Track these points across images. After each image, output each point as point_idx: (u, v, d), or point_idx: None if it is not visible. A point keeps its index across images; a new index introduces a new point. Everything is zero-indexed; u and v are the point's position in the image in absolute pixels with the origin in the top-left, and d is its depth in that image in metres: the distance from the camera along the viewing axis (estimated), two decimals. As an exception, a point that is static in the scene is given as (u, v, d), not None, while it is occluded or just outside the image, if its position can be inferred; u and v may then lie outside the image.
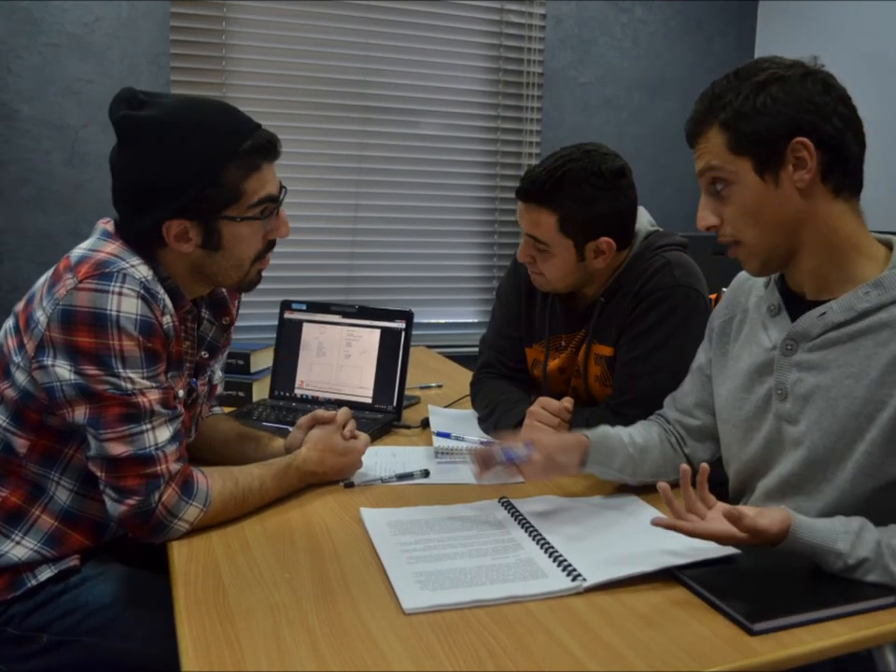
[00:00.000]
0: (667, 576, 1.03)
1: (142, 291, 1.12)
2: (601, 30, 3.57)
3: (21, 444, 1.16)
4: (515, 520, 1.21)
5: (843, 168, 1.10)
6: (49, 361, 1.10)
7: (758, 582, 1.01)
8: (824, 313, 1.11)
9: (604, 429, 1.35)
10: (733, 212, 1.12)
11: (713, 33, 3.76)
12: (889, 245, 1.15)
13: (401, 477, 1.41)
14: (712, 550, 1.05)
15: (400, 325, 1.84)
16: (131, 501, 1.10)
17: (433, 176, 3.39)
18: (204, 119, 1.18)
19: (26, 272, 2.79)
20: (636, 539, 1.13)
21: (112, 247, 1.17)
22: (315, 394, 1.87)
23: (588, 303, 1.67)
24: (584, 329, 1.70)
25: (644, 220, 1.67)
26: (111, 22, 2.84)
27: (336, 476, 1.38)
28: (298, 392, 1.88)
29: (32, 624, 1.15)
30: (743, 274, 1.32)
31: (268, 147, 1.21)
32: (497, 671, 0.83)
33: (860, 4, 3.26)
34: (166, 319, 1.16)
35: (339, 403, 1.83)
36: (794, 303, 1.17)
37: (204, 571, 1.05)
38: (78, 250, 1.18)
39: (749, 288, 1.30)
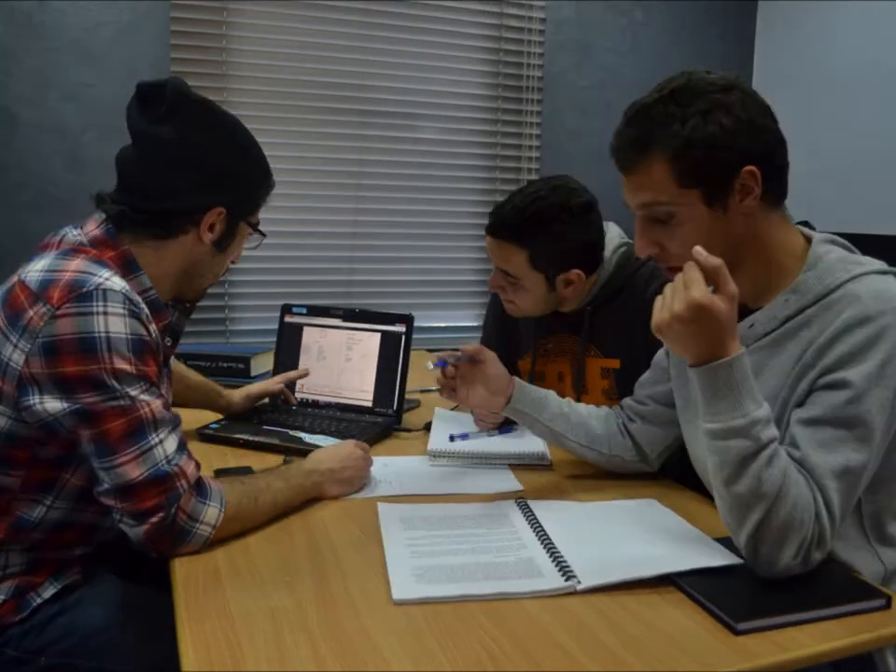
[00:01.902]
0: (666, 579, 1.03)
1: (126, 306, 1.08)
2: (601, 33, 3.57)
3: (11, 483, 1.11)
4: (527, 520, 1.22)
5: (777, 184, 1.12)
6: (34, 400, 1.05)
7: (749, 586, 1.01)
8: (752, 325, 1.15)
9: (536, 386, 1.44)
10: (679, 243, 1.10)
11: (712, 36, 3.77)
12: (807, 238, 1.17)
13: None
14: (712, 558, 1.05)
15: (401, 328, 1.84)
16: (154, 519, 1.06)
17: (433, 180, 3.39)
18: (252, 136, 1.30)
19: (27, 276, 2.79)
20: (640, 543, 1.13)
21: (75, 263, 1.10)
22: (316, 397, 1.87)
23: (575, 310, 1.70)
24: (572, 335, 1.72)
25: (614, 233, 1.69)
26: (112, 27, 2.84)
27: (342, 472, 1.34)
28: (298, 395, 1.88)
29: (30, 647, 1.13)
30: None
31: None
32: (497, 674, 0.84)
33: (859, 4, 3.27)
34: (152, 328, 1.14)
35: (339, 407, 1.84)
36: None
37: (205, 573, 1.05)
38: (34, 274, 1.10)
39: None
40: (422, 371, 2.37)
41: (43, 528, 1.15)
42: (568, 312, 1.71)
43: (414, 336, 1.85)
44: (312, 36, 3.14)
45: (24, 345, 1.05)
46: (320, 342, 1.90)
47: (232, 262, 1.35)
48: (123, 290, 1.09)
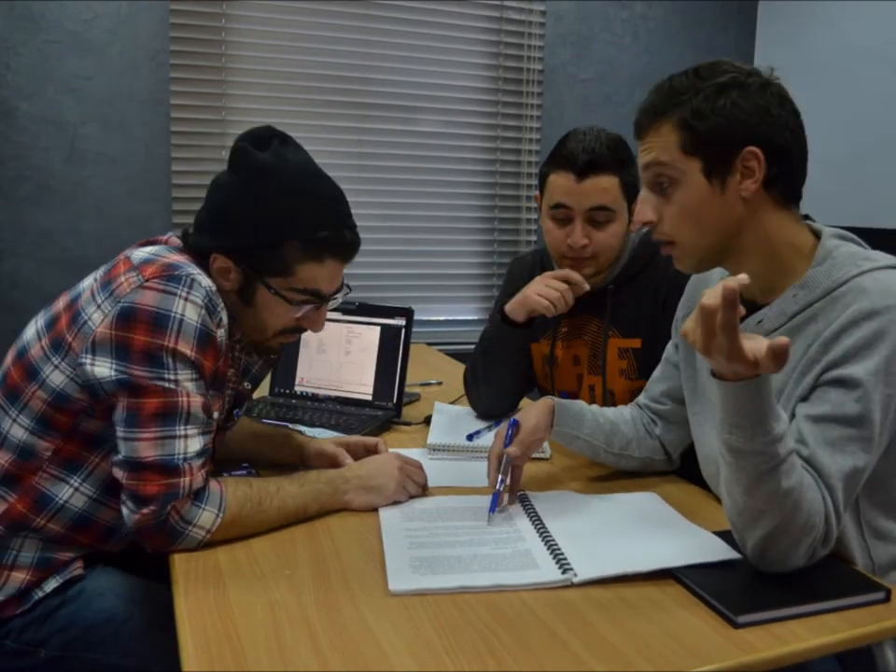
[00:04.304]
0: (665, 572, 1.03)
1: (206, 300, 1.12)
2: (601, 26, 3.56)
3: (44, 448, 1.13)
4: (526, 512, 1.22)
5: (787, 180, 1.10)
6: (86, 359, 1.09)
7: (749, 579, 1.01)
8: (761, 320, 1.14)
9: (570, 400, 1.41)
10: (674, 211, 1.12)
11: (713, 29, 3.76)
12: (816, 233, 1.16)
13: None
14: (711, 553, 1.05)
15: (400, 322, 1.84)
16: (146, 510, 1.07)
17: (433, 173, 3.39)
18: (303, 190, 1.19)
19: (26, 269, 2.79)
20: (640, 537, 1.14)
21: (179, 257, 1.17)
22: (316, 391, 1.87)
23: (596, 289, 1.67)
24: (593, 317, 1.70)
25: None
26: (110, 19, 2.84)
27: (370, 479, 1.26)
28: (298, 389, 1.88)
29: (30, 639, 1.14)
30: None
31: (341, 247, 1.22)
32: (498, 668, 0.84)
33: (859, 2, 3.26)
34: (220, 332, 1.16)
35: (339, 400, 1.84)
36: (743, 306, 1.19)
37: (205, 567, 1.05)
38: (141, 253, 1.17)
39: (707, 280, 1.32)
40: (421, 365, 2.38)
41: (63, 518, 1.15)
42: (588, 292, 1.68)
43: (414, 329, 1.85)
44: (311, 29, 3.13)
45: (106, 307, 1.11)
46: (319, 335, 1.89)
47: (307, 328, 1.28)
48: (209, 288, 1.14)
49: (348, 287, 1.31)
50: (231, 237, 1.19)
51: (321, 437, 1.57)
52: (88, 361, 1.09)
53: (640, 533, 1.15)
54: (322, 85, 3.17)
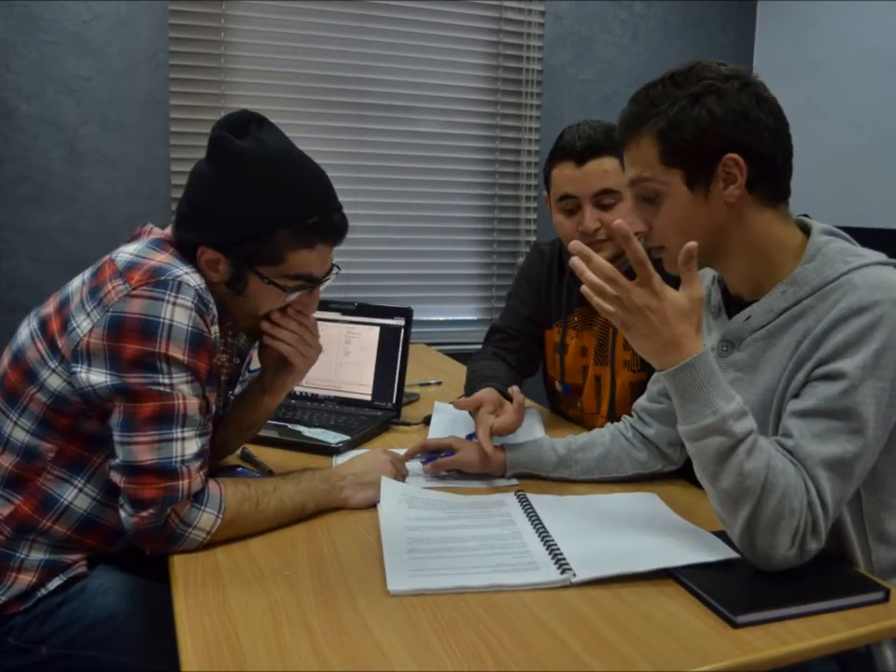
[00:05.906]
0: (665, 572, 1.03)
1: (196, 301, 1.11)
2: (600, 27, 3.56)
3: (47, 449, 1.14)
4: (525, 512, 1.22)
5: (771, 180, 1.11)
6: (81, 367, 1.09)
7: (748, 579, 1.01)
8: (748, 317, 1.15)
9: (530, 440, 1.45)
10: (661, 221, 1.14)
11: (713, 29, 3.76)
12: (805, 229, 1.16)
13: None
14: (710, 553, 1.05)
15: (400, 322, 1.84)
16: (144, 514, 1.07)
17: (432, 173, 3.39)
18: (288, 176, 1.17)
19: (25, 269, 2.78)
20: (639, 537, 1.13)
21: (163, 256, 1.16)
22: (315, 391, 1.87)
23: None
24: None
25: None
26: (110, 19, 2.83)
27: (365, 476, 1.28)
28: (297, 389, 1.88)
29: (31, 636, 1.14)
30: None
31: (330, 231, 1.21)
32: (497, 668, 0.84)
33: (859, 2, 3.26)
34: (214, 329, 1.16)
35: (338, 400, 1.84)
36: (733, 304, 1.21)
37: (204, 568, 1.05)
38: (125, 255, 1.16)
39: (701, 277, 1.32)
40: (421, 365, 2.38)
41: (69, 520, 1.16)
42: None
43: (413, 330, 1.85)
44: (311, 29, 3.13)
45: (95, 315, 1.10)
46: (319, 335, 1.89)
47: (301, 311, 1.27)
48: (198, 287, 1.13)
49: (337, 266, 1.30)
50: (219, 230, 1.17)
51: (321, 437, 1.57)
52: (82, 370, 1.09)
53: (639, 533, 1.15)
54: (321, 85, 3.17)
